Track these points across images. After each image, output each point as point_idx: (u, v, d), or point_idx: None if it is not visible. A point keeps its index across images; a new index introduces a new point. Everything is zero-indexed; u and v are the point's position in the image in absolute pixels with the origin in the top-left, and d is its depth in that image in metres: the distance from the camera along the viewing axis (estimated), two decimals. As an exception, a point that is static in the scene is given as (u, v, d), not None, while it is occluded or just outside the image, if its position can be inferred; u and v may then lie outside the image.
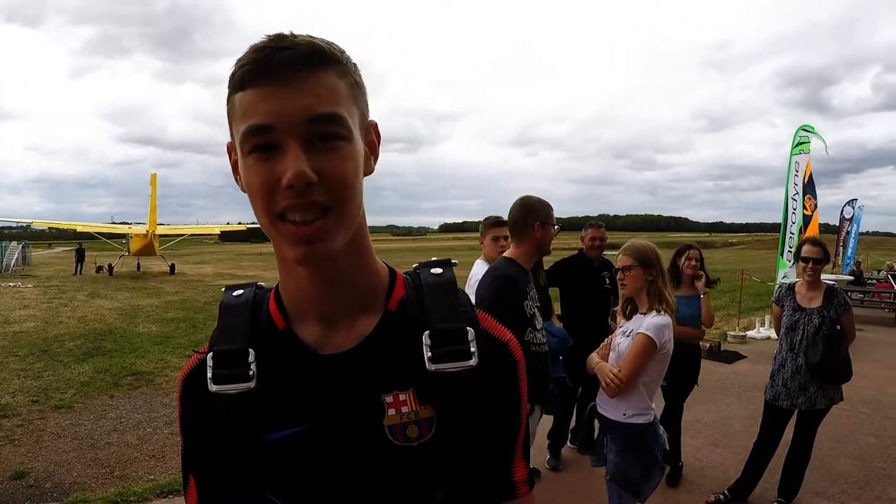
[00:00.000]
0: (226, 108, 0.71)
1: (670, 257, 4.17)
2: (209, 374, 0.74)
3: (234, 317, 0.78)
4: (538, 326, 2.79)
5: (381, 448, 0.73)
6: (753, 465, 3.91)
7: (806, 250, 3.80)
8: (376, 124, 0.77)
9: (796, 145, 8.88)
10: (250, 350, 0.74)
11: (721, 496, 3.94)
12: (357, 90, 0.71)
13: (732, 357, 7.90)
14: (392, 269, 0.83)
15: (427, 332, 0.74)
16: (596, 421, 2.95)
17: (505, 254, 2.87)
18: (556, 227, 2.84)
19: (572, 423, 4.61)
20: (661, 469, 2.80)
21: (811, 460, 3.82)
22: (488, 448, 0.78)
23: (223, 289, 0.84)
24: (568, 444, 4.65)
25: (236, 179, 0.73)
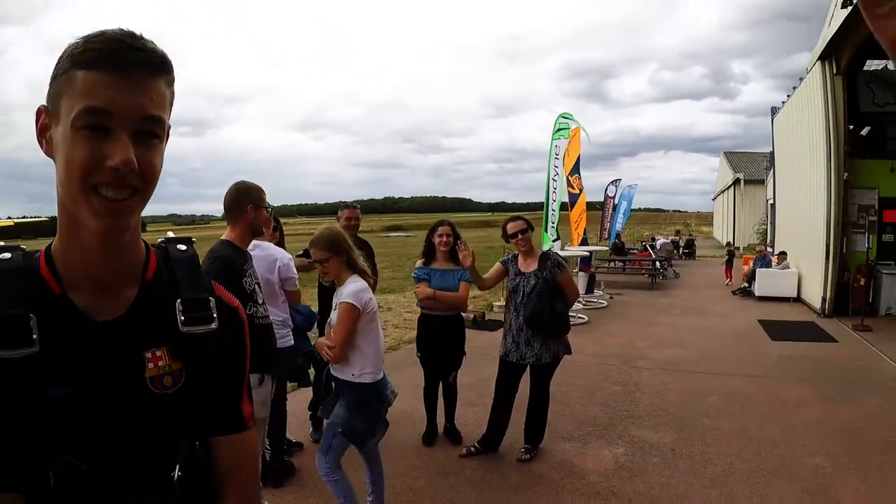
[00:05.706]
0: (57, 77, 0.80)
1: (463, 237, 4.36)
2: None
3: (9, 281, 0.83)
4: (259, 301, 2.91)
5: (145, 396, 0.87)
6: (496, 417, 4.25)
7: (511, 227, 4.17)
8: (170, 126, 0.90)
9: (557, 131, 9.88)
10: (31, 315, 0.81)
11: (472, 448, 4.25)
12: (173, 98, 0.86)
13: (495, 325, 8.44)
14: (146, 244, 0.97)
15: (179, 300, 0.91)
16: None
17: (223, 237, 2.92)
18: (268, 209, 2.98)
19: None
20: (384, 425, 3.04)
21: (561, 409, 4.19)
22: (223, 391, 0.98)
23: None
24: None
25: (41, 142, 0.83)
